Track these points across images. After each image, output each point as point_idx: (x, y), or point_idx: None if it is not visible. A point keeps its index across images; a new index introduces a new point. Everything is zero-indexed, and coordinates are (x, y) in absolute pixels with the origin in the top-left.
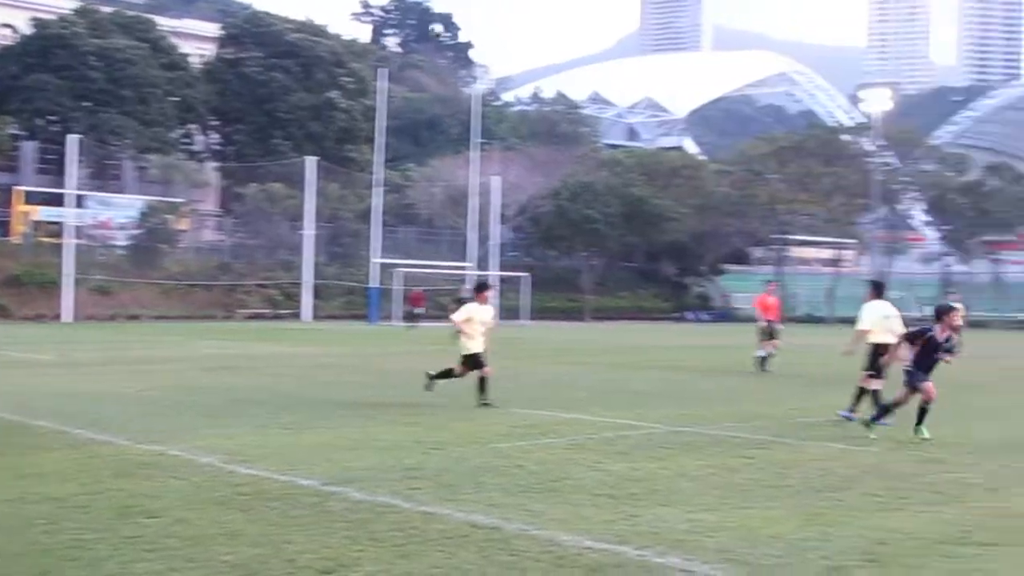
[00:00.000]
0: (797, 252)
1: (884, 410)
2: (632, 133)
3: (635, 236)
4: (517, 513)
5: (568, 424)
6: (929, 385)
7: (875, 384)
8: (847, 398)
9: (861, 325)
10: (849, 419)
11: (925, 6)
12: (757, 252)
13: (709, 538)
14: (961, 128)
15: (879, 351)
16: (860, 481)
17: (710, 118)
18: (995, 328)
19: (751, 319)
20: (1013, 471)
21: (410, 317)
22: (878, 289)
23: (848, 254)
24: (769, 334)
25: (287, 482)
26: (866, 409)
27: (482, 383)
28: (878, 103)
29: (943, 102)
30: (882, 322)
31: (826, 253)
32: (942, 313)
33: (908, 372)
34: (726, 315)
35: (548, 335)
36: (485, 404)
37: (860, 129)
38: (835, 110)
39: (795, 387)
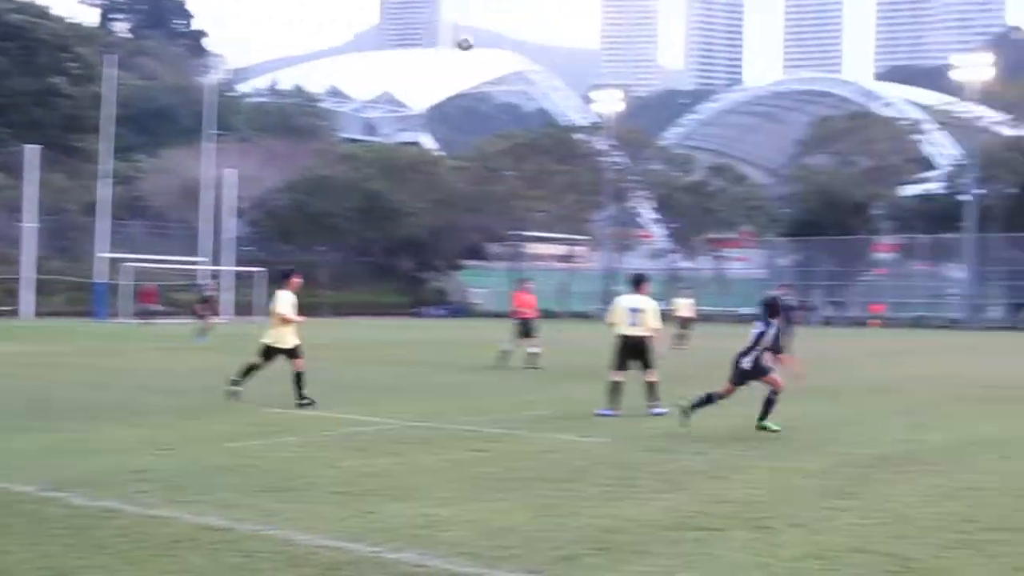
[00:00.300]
0: (532, 248)
1: (705, 401)
2: (370, 128)
3: (373, 231)
4: (251, 513)
5: (303, 421)
6: (776, 376)
7: (618, 376)
8: (582, 391)
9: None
10: (606, 415)
11: (654, 11)
12: (494, 248)
13: (444, 532)
14: (687, 130)
15: (626, 343)
16: (590, 471)
17: (448, 114)
18: (719, 321)
19: (491, 314)
20: (734, 459)
21: (144, 314)
22: (637, 282)
23: (581, 250)
24: (526, 331)
25: (2, 488)
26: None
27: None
28: (609, 104)
29: (671, 104)
30: (628, 315)
31: (560, 249)
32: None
33: (741, 366)
34: (463, 310)
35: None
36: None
37: (593, 129)
38: (569, 110)
39: (528, 381)
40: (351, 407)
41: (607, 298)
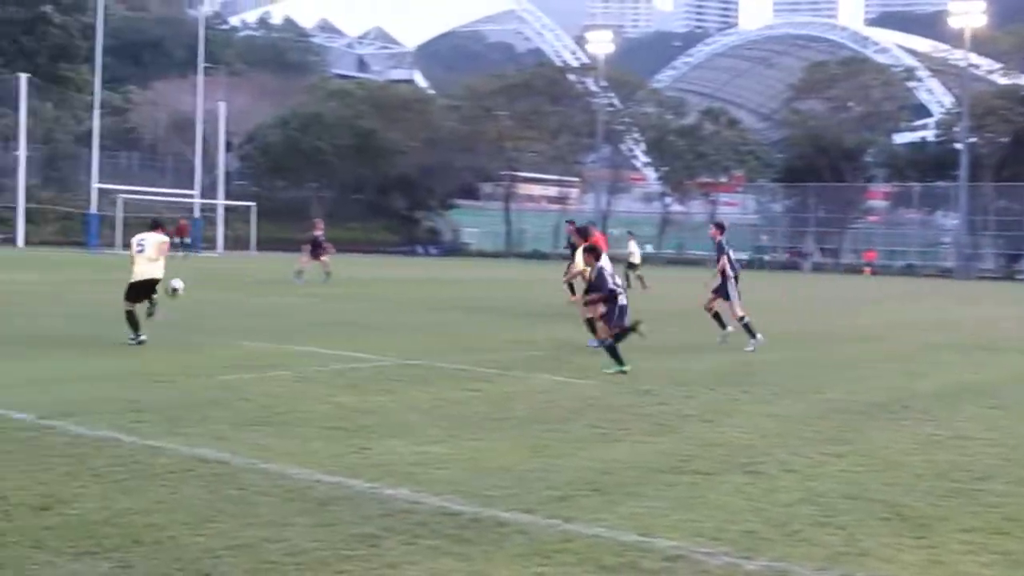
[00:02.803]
0: (524, 189)
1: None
2: (362, 64)
3: (365, 169)
4: (245, 447)
5: (296, 357)
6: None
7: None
8: (572, 330)
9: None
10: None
11: None
12: (486, 188)
13: (439, 470)
14: (680, 73)
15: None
16: (583, 413)
17: (440, 52)
18: (709, 266)
19: (483, 254)
20: (725, 402)
21: (181, 247)
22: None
23: (573, 192)
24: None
25: (1, 415)
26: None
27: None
28: (602, 45)
29: (663, 47)
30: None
31: (552, 191)
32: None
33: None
34: (455, 249)
35: (273, 266)
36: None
37: (585, 70)
38: (562, 50)
39: (520, 321)
40: (344, 343)
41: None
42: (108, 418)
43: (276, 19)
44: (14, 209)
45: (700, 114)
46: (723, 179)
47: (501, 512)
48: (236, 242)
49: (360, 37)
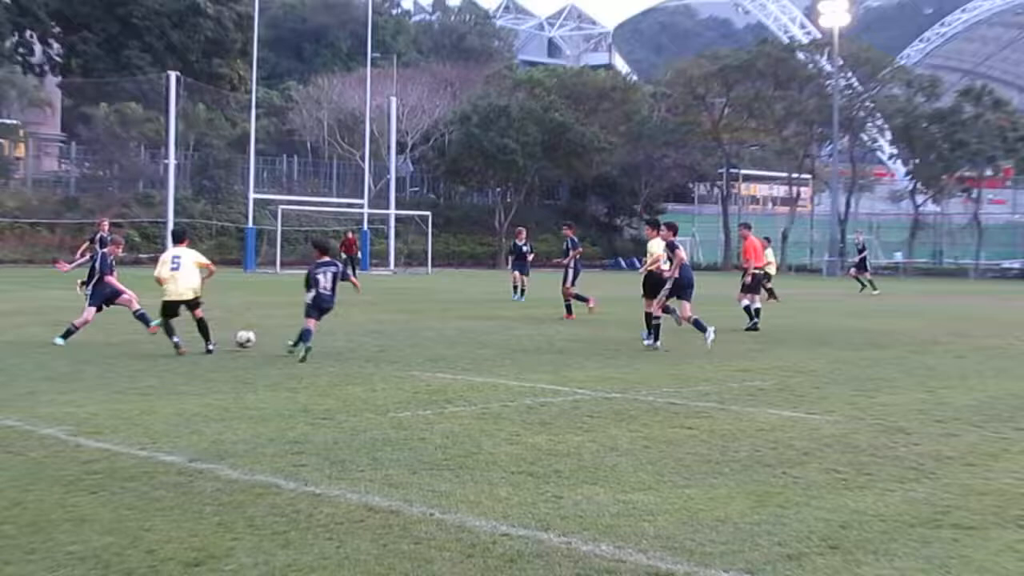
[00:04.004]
0: (746, 189)
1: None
2: (553, 48)
3: (557, 169)
4: (420, 494)
5: (479, 389)
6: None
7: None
8: (805, 357)
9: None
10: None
11: None
12: (700, 189)
13: (646, 522)
14: (931, 46)
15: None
16: (818, 454)
17: (643, 32)
18: (972, 278)
19: (696, 266)
20: (993, 441)
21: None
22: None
23: (804, 191)
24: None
25: (146, 458)
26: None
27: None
28: (837, 17)
29: (911, 16)
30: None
31: (779, 190)
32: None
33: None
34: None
35: (454, 284)
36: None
37: (818, 47)
38: (789, 24)
39: (742, 344)
40: (535, 373)
41: (836, 249)
42: (266, 461)
43: (453, 1)
44: (163, 224)
45: (958, 95)
46: (988, 172)
47: (720, 572)
48: (410, 257)
49: (551, 18)
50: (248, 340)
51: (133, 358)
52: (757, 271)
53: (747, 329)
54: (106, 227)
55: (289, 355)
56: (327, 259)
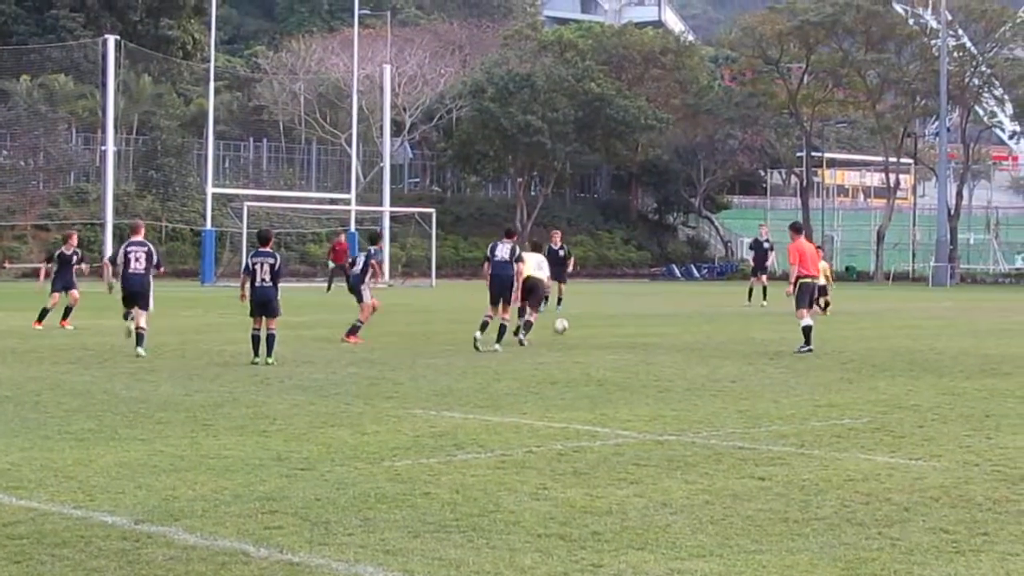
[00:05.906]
0: (831, 178)
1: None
2: (588, 2)
3: (595, 154)
4: (424, 563)
5: (497, 432)
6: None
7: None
8: (906, 389)
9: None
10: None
11: None
12: (774, 177)
13: None
14: None
15: None
16: (922, 510)
17: None
18: None
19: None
20: None
21: (338, 273)
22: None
23: (904, 179)
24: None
25: (81, 519)
26: None
27: None
28: None
29: None
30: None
31: (874, 178)
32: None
33: None
34: (729, 268)
35: (463, 298)
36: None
37: None
38: None
39: (828, 373)
40: (566, 411)
41: (946, 252)
42: (231, 522)
43: None
44: (101, 227)
45: None
46: None
47: None
48: (408, 265)
49: None
50: (564, 328)
51: (65, 393)
52: (806, 279)
53: (798, 351)
54: (75, 241)
55: (264, 384)
56: (267, 249)
